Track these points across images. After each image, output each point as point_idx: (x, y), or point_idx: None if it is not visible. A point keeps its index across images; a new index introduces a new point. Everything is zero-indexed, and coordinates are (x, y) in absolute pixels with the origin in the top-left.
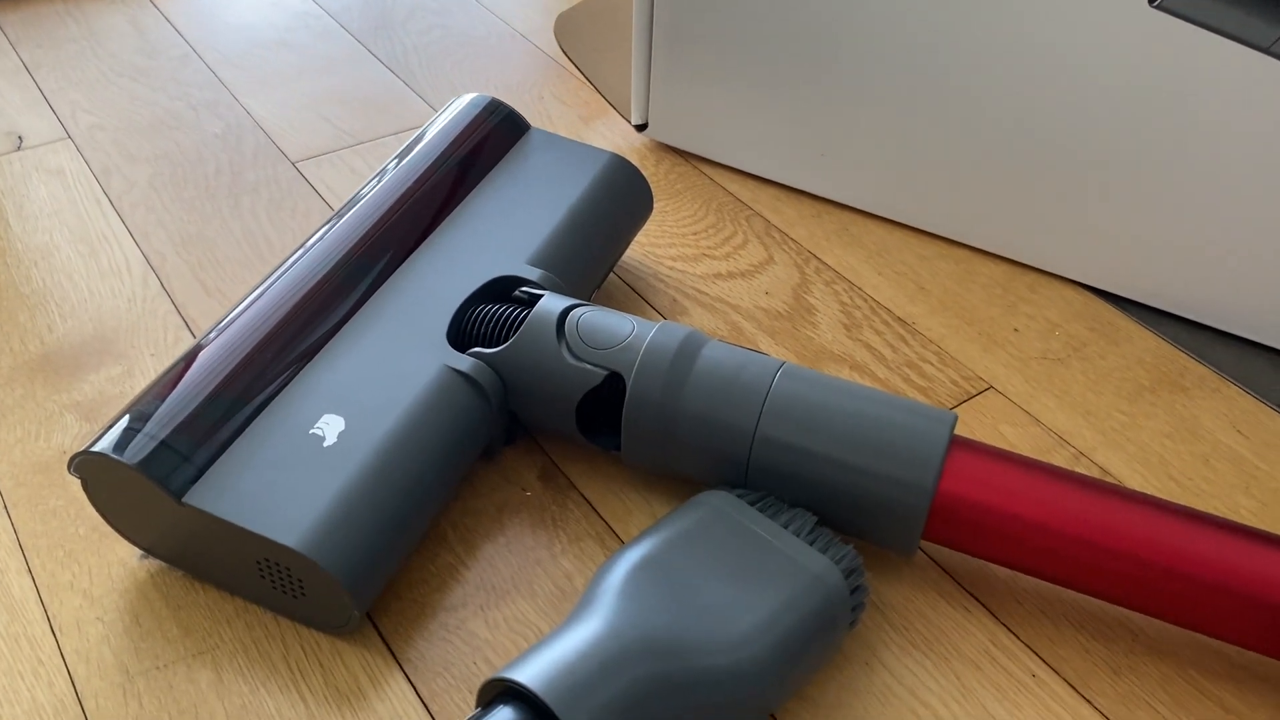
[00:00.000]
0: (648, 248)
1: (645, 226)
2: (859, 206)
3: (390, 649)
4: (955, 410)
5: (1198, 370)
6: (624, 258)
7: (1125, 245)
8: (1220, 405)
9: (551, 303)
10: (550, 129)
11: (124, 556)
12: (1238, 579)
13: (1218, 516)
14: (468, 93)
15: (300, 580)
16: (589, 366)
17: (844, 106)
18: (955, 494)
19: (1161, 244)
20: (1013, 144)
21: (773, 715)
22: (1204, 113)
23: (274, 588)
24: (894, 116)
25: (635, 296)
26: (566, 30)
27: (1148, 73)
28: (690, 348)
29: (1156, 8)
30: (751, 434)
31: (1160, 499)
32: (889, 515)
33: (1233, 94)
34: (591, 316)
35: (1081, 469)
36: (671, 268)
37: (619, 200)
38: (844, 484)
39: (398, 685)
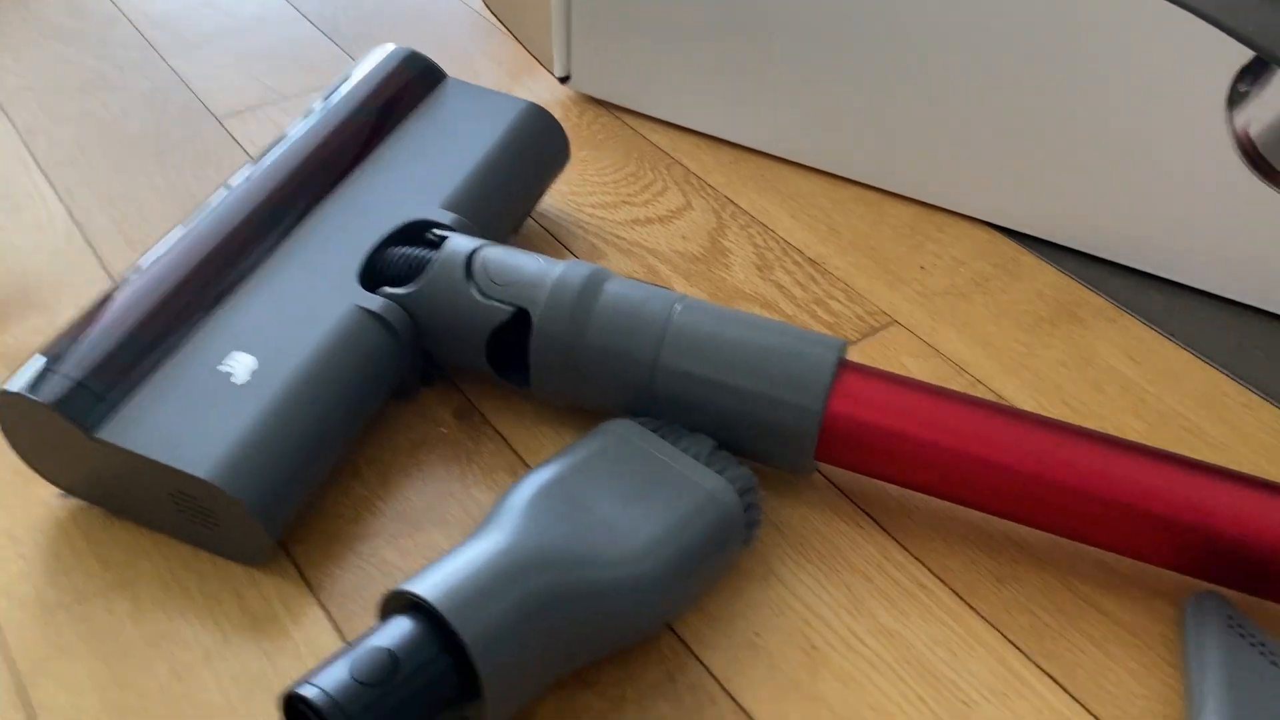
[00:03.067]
0: (569, 196)
1: (567, 175)
2: (777, 153)
3: (304, 577)
4: (859, 343)
5: (1096, 302)
6: (545, 205)
7: (1027, 184)
8: (1115, 334)
9: (460, 242)
10: (474, 82)
11: (44, 497)
12: (1117, 488)
13: (1098, 431)
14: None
15: (211, 510)
16: (496, 303)
17: (760, 55)
18: (844, 415)
19: (1061, 182)
20: (920, 89)
21: (670, 626)
22: (1094, 54)
23: (188, 520)
24: (807, 64)
25: (555, 243)
26: None
27: (1040, 16)
28: (594, 283)
29: None
30: (652, 363)
31: (1043, 416)
32: (782, 437)
33: (1120, 34)
34: (499, 255)
35: (979, 395)
36: (592, 215)
37: (534, 146)
38: (739, 409)
39: (312, 611)
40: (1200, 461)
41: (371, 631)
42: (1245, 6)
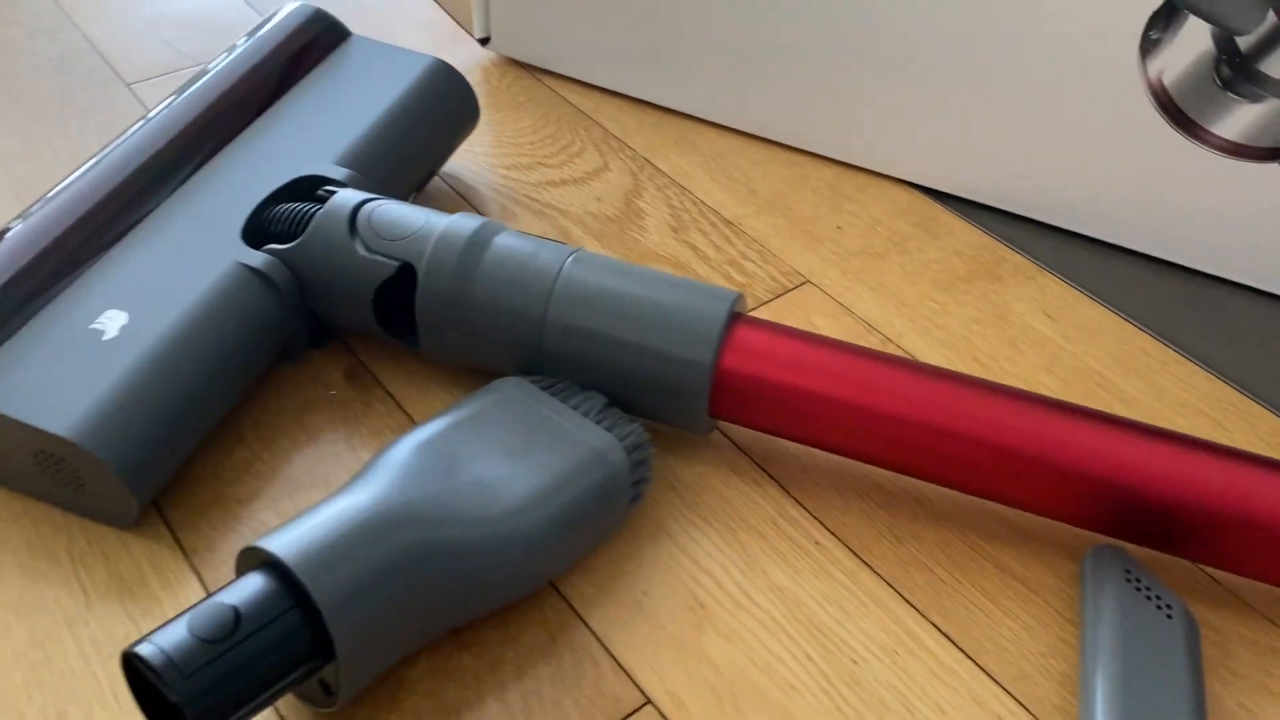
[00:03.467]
0: (482, 157)
1: (481, 136)
2: (698, 114)
3: (178, 540)
4: (770, 303)
5: (1015, 260)
6: (456, 166)
7: (946, 143)
8: (1033, 292)
9: (345, 196)
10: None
11: None
12: (1017, 440)
13: (998, 383)
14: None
15: (77, 471)
16: (380, 258)
17: (681, 15)
18: (737, 370)
19: (979, 140)
20: (838, 48)
21: (555, 586)
22: (1007, 7)
23: (54, 481)
24: (728, 24)
25: (463, 203)
26: None
27: None
28: (482, 236)
29: None
30: (541, 319)
31: (943, 369)
32: (674, 393)
33: None
34: (385, 209)
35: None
36: (505, 176)
37: (438, 103)
38: (630, 365)
39: (184, 575)
40: (1103, 413)
41: (220, 589)
42: None
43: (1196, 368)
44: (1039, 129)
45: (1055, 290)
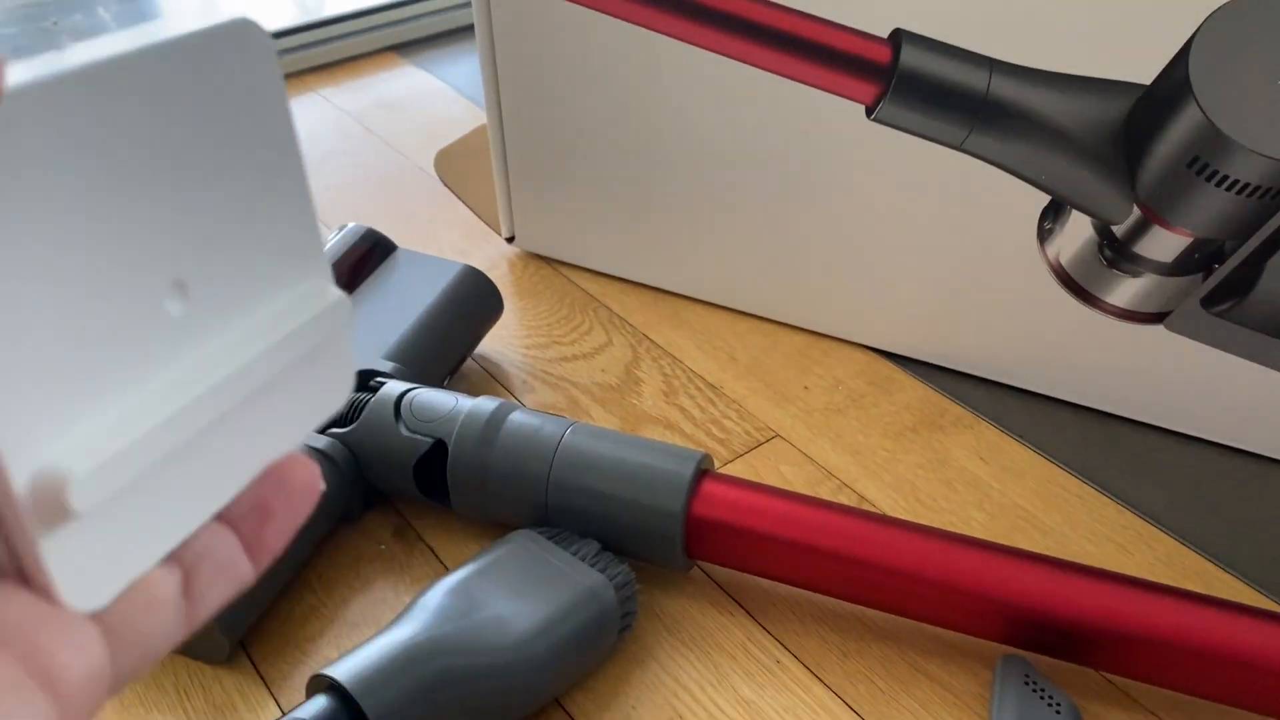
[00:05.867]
0: (507, 339)
1: (506, 320)
2: (688, 294)
3: (260, 674)
4: (745, 455)
5: (956, 411)
6: (486, 348)
7: (898, 312)
8: (970, 439)
9: (391, 387)
10: (437, 247)
11: None
12: (941, 572)
13: (927, 526)
14: (363, 222)
15: None
16: (419, 437)
17: (669, 212)
18: (705, 517)
19: (926, 310)
20: (806, 236)
21: (560, 703)
22: (946, 208)
23: None
24: (710, 221)
25: (491, 380)
26: (444, 164)
27: (895, 181)
28: (499, 415)
29: (874, 120)
30: (546, 480)
31: (880, 514)
32: (654, 538)
33: (961, 187)
34: (422, 396)
35: (843, 497)
36: (525, 354)
37: (468, 303)
38: (618, 515)
39: (264, 700)
40: (1013, 549)
41: (294, 708)
42: (1036, 159)
43: (1107, 500)
44: (974, 300)
45: (989, 436)
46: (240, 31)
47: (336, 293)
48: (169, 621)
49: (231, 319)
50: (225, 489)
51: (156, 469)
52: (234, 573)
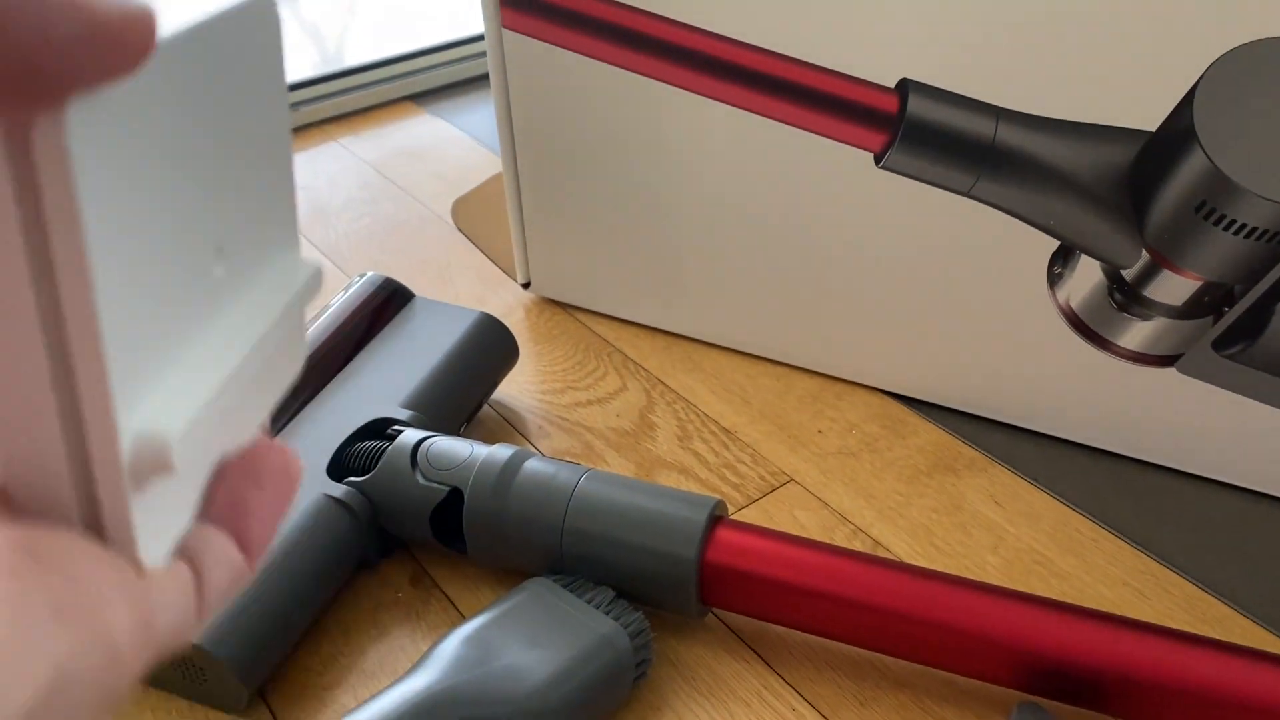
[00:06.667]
0: (523, 385)
1: (524, 367)
2: (702, 338)
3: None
4: (759, 500)
5: (970, 454)
6: (503, 394)
7: (912, 355)
8: (984, 482)
9: (408, 436)
10: (454, 293)
11: None
12: (956, 619)
13: (944, 573)
14: (382, 271)
15: (201, 668)
16: (435, 485)
17: (684, 258)
18: (718, 563)
19: (939, 352)
20: (820, 280)
21: None
22: (960, 253)
23: (183, 677)
24: (722, 262)
25: (507, 426)
26: (461, 212)
27: (910, 229)
28: (515, 462)
29: (882, 167)
30: (560, 527)
31: (895, 560)
32: (668, 585)
33: (973, 235)
34: (438, 444)
35: (858, 542)
36: (541, 400)
37: (484, 350)
38: (632, 562)
39: None
40: (1027, 594)
41: None
42: (1044, 205)
43: (1123, 543)
44: (988, 343)
45: (1004, 480)
46: (260, 4)
47: (314, 263)
48: (187, 610)
49: (249, 282)
50: (233, 443)
51: (219, 421)
52: (231, 566)
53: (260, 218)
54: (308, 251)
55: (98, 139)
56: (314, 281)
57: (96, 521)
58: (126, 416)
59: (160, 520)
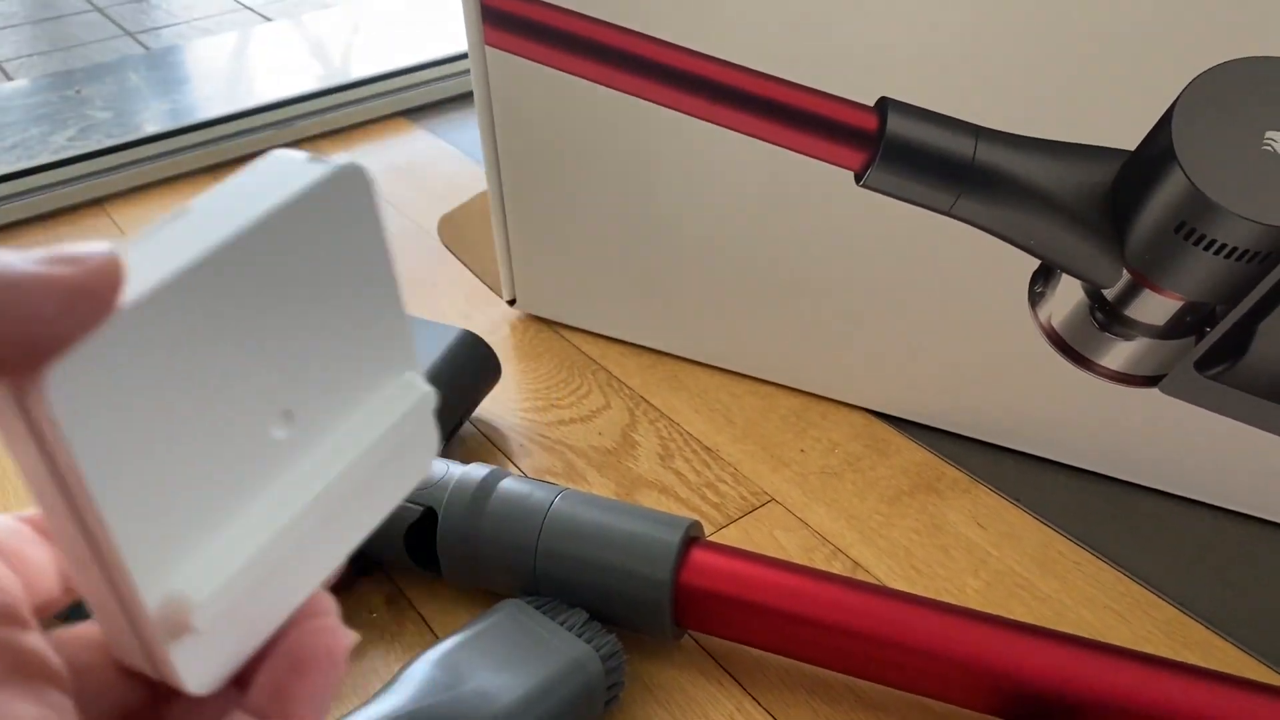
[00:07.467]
0: (506, 402)
1: (505, 383)
2: (686, 356)
3: None
4: (739, 520)
5: (953, 474)
6: (486, 411)
7: (895, 374)
8: (967, 503)
9: None
10: (440, 310)
11: None
12: (930, 644)
13: (922, 597)
14: None
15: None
16: (410, 504)
17: (669, 276)
18: (693, 586)
19: (923, 372)
20: (802, 300)
21: None
22: (941, 274)
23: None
24: (706, 280)
25: (488, 443)
26: (447, 228)
27: (896, 254)
28: (490, 482)
29: (862, 185)
30: (534, 548)
31: (872, 584)
32: (641, 607)
33: (955, 257)
34: None
35: (837, 563)
36: (524, 417)
37: (464, 368)
38: (605, 583)
39: None
40: (1003, 619)
41: None
42: (1024, 224)
43: (1105, 565)
44: (971, 363)
45: (986, 501)
46: (348, 176)
47: (424, 386)
48: None
49: (331, 429)
50: (325, 567)
51: (265, 576)
52: None
53: (355, 363)
54: None
55: (93, 384)
56: (425, 402)
57: (150, 653)
58: (155, 582)
59: (216, 652)
